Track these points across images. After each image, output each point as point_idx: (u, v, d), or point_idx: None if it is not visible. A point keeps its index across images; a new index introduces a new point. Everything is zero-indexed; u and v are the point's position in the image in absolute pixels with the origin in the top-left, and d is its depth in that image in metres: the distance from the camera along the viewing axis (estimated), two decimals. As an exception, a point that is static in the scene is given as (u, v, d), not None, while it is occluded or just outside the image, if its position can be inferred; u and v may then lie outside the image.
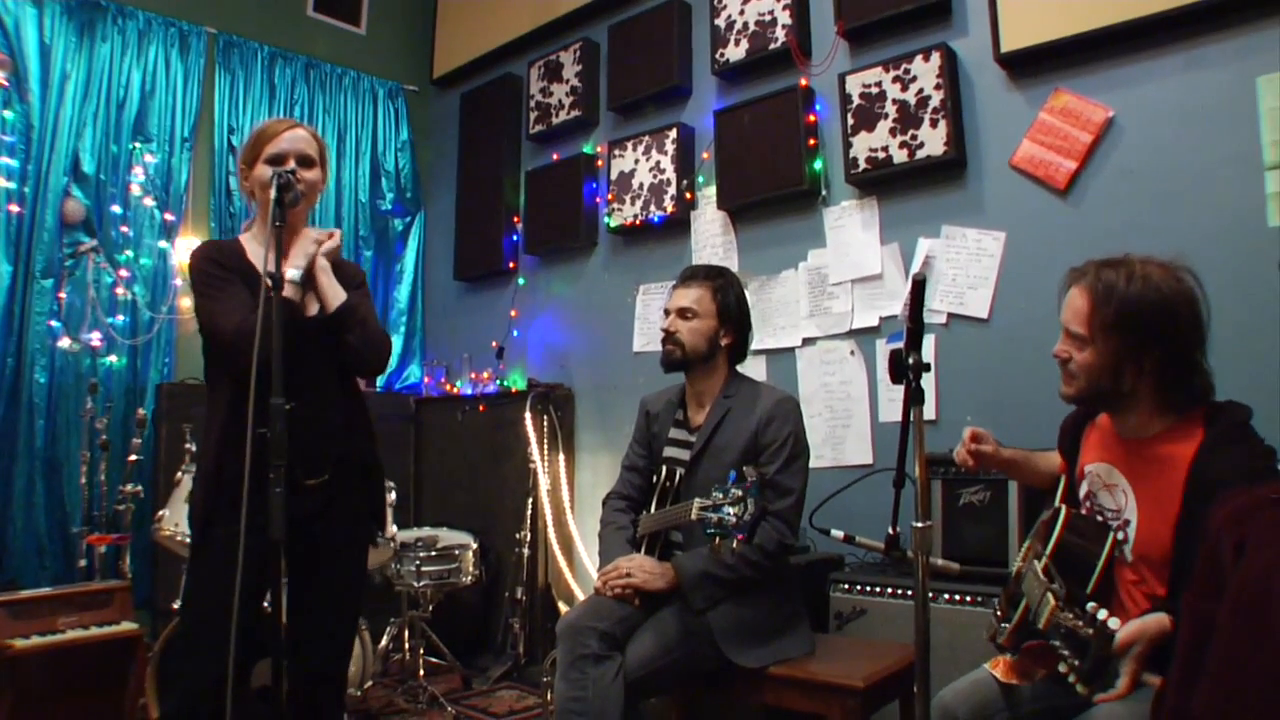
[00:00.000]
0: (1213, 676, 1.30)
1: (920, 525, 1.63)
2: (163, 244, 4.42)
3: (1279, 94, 2.63)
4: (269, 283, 1.90)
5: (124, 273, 4.26)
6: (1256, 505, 1.40)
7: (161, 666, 3.03)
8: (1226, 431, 1.70)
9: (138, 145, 4.37)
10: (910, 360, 1.64)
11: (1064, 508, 1.88)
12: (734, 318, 2.68)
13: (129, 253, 4.30)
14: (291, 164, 2.16)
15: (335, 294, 2.18)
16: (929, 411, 3.23)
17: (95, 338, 4.14)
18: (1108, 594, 1.79)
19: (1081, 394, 1.84)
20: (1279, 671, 1.20)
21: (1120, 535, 1.79)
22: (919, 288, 1.69)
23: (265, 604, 2.86)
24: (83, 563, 3.65)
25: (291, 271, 2.10)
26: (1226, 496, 1.52)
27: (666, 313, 2.70)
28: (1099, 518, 1.86)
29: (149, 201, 4.38)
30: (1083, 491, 1.94)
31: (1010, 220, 3.18)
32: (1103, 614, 1.40)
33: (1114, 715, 1.66)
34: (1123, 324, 1.72)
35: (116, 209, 4.27)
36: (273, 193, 1.99)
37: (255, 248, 2.24)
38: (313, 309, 2.17)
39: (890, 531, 1.84)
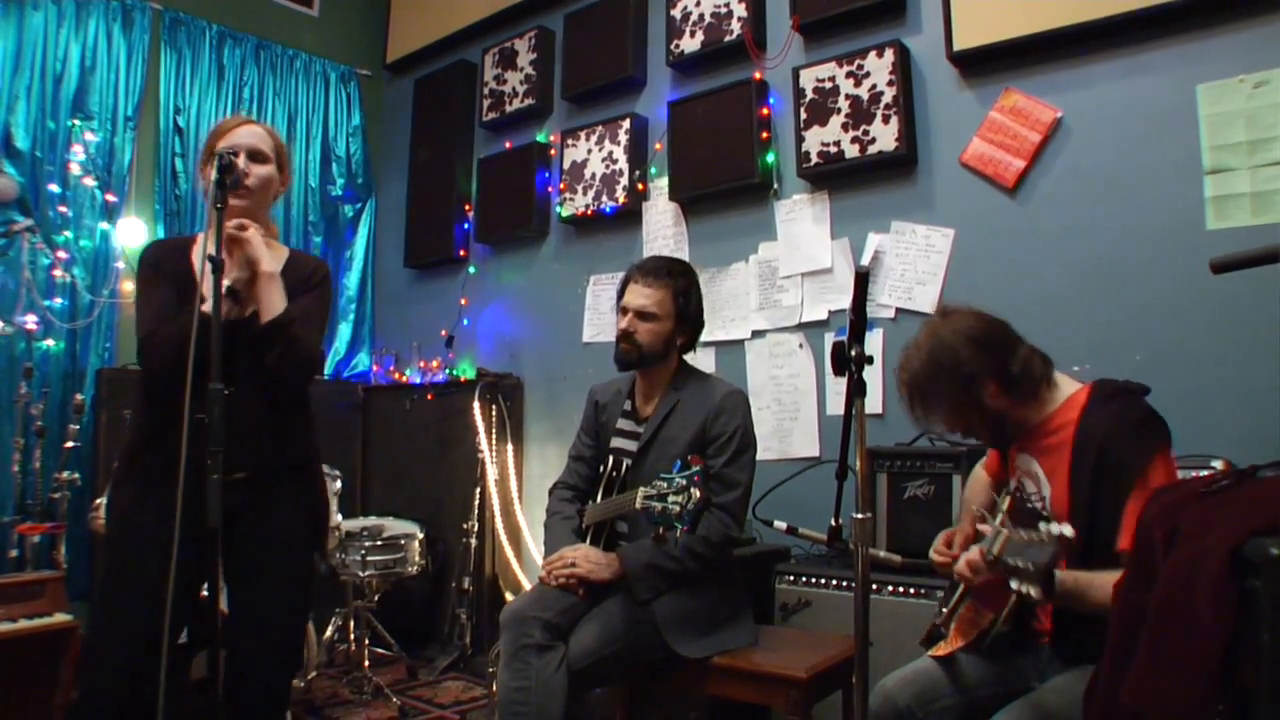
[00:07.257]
0: (1141, 663, 1.33)
1: (860, 517, 1.64)
2: (104, 225, 4.29)
3: (1217, 102, 2.69)
4: (209, 266, 1.81)
5: (62, 254, 4.13)
6: (1187, 499, 1.44)
7: (80, 655, 2.95)
8: (1104, 391, 1.86)
9: (77, 122, 4.23)
10: (852, 352, 1.65)
11: (1008, 497, 1.97)
12: (692, 320, 2.65)
13: (68, 234, 4.17)
14: (242, 158, 2.10)
15: (271, 306, 2.06)
16: (876, 405, 3.28)
17: (30, 320, 4.00)
18: None
19: (992, 441, 2.07)
20: (1202, 657, 1.23)
21: (1045, 512, 1.89)
22: (862, 281, 1.70)
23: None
24: (14, 553, 3.54)
25: (225, 282, 1.92)
26: (1159, 492, 1.56)
27: (623, 310, 2.61)
28: (1029, 505, 1.94)
29: (89, 181, 4.25)
30: (1014, 484, 2.01)
31: (959, 217, 3.21)
32: (1054, 526, 1.50)
33: (1064, 692, 1.70)
34: (934, 394, 1.91)
35: (54, 188, 4.14)
36: (213, 174, 1.92)
37: (199, 248, 2.15)
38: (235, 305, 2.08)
39: (832, 523, 1.85)
